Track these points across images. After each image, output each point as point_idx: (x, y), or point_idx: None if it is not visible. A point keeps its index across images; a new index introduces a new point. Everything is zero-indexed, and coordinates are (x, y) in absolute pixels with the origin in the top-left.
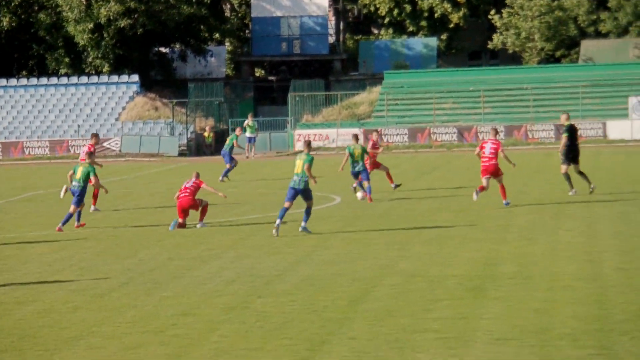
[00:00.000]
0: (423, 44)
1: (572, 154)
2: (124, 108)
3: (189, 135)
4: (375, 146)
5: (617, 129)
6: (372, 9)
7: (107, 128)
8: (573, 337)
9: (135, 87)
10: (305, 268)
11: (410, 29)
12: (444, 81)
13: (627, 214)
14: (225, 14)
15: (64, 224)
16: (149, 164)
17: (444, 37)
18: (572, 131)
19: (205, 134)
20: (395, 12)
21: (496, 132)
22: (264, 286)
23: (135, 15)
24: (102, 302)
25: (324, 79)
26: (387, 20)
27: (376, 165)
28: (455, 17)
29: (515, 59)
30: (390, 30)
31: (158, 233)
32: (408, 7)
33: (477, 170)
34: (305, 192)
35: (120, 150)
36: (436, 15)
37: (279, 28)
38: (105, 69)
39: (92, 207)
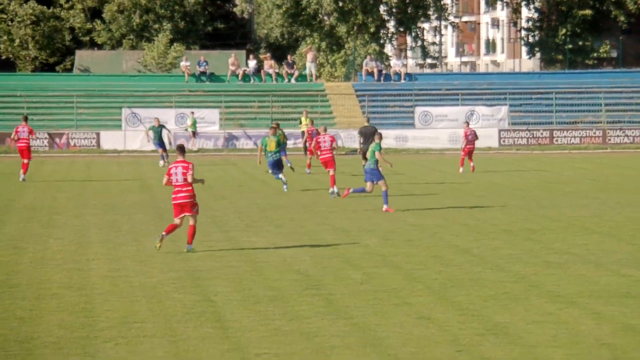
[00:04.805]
0: None
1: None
2: None
3: None
4: None
5: (110, 140)
6: None
7: None
8: (57, 345)
9: None
10: None
11: None
12: None
13: (117, 222)
14: None
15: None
16: None
17: None
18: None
19: None
20: None
21: (325, 129)
22: None
23: None
24: None
25: None
26: None
27: None
28: None
29: (9, 66)
30: None
31: None
32: None
33: None
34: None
35: None
36: None
37: None
38: None
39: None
